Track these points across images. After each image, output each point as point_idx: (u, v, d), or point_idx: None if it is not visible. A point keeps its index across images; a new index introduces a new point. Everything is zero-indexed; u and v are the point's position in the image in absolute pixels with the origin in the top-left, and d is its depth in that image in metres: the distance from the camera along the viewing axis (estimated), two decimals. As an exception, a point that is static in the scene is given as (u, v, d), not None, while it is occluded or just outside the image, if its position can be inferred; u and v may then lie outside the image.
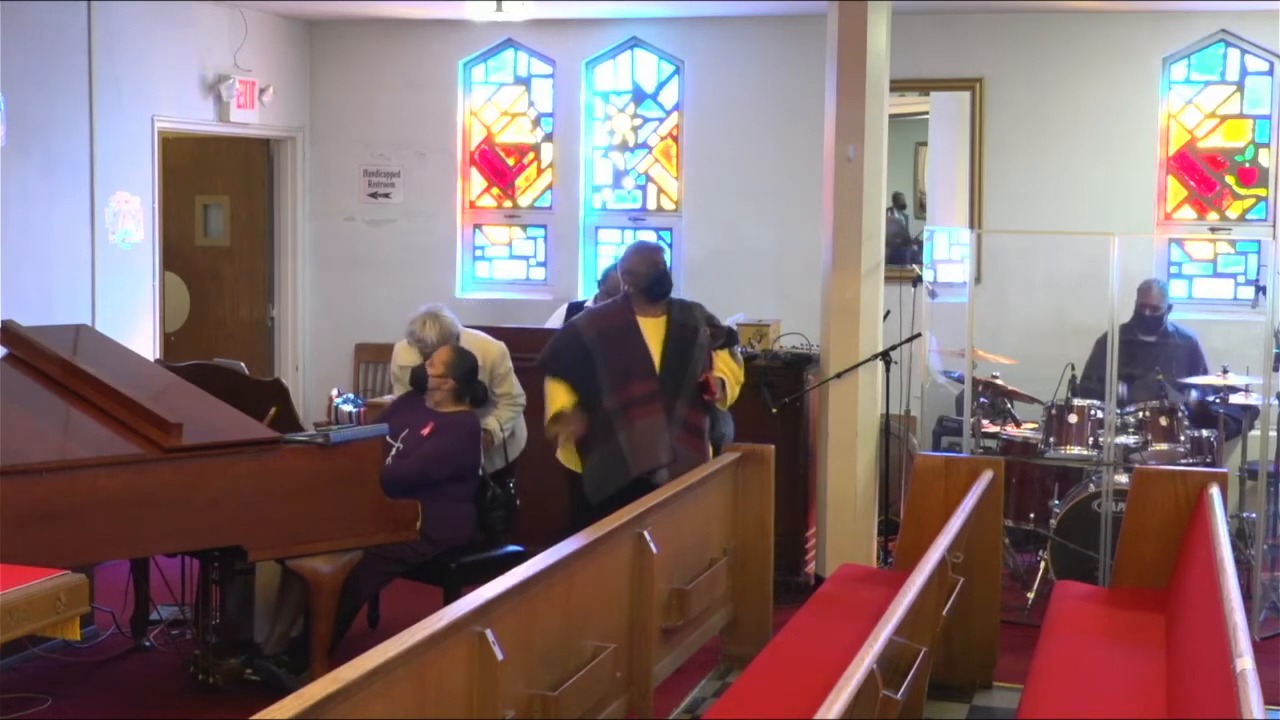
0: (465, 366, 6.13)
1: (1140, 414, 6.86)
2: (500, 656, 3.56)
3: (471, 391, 6.15)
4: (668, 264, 6.22)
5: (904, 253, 8.97)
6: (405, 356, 6.49)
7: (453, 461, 5.97)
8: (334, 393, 7.59)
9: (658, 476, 5.85)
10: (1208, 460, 6.74)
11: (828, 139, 7.02)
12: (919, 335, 7.21)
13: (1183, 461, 6.65)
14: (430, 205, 9.70)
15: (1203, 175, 8.66)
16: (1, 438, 4.79)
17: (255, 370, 7.05)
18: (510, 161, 9.71)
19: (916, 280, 7.41)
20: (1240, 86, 8.61)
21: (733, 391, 6.08)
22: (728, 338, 6.14)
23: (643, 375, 5.93)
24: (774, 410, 6.87)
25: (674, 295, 6.27)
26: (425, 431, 6.06)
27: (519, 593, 3.82)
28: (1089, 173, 8.69)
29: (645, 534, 4.72)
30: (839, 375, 6.90)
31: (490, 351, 6.50)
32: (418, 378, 6.16)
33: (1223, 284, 8.73)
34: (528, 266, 9.71)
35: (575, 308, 8.19)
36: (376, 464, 5.62)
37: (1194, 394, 7.34)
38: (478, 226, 9.78)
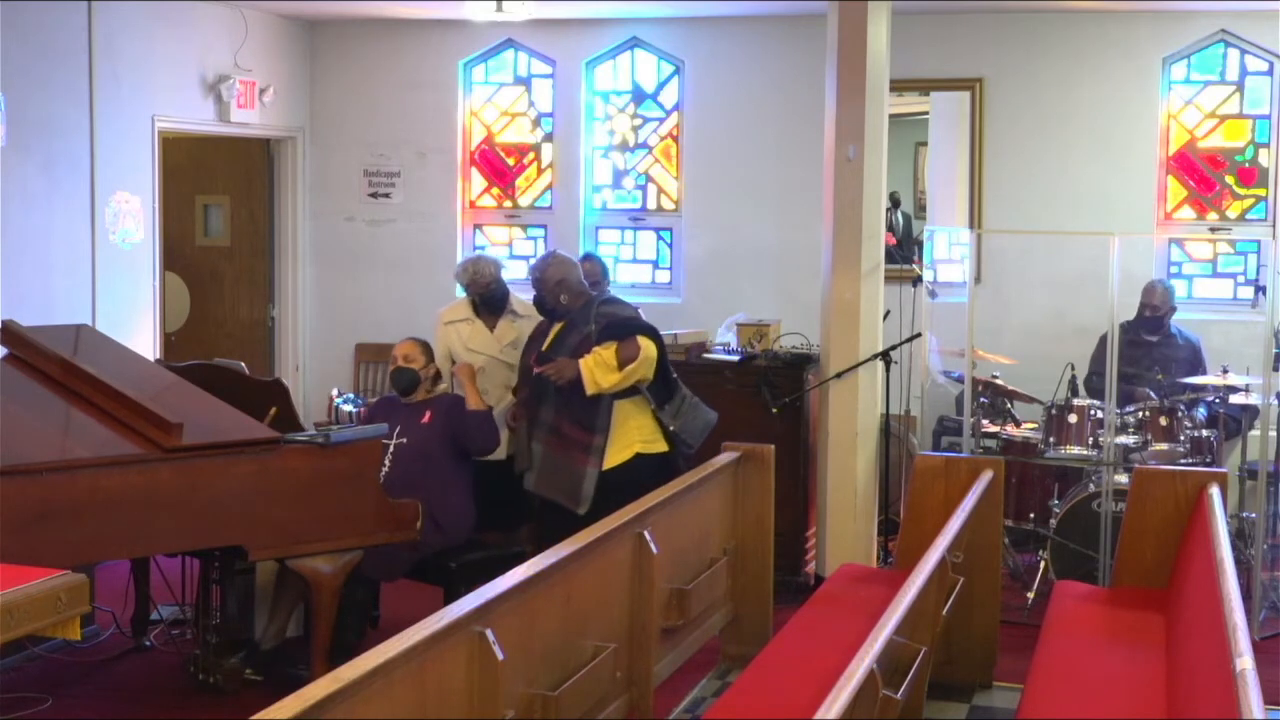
0: (428, 346, 6.39)
1: (1140, 414, 6.86)
2: (500, 656, 3.56)
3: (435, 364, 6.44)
4: (547, 277, 6.20)
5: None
6: (453, 314, 6.80)
7: (482, 421, 6.20)
8: (334, 393, 7.59)
9: (526, 480, 6.11)
10: (1207, 460, 6.74)
11: (828, 139, 7.02)
12: (919, 335, 7.21)
13: (1182, 461, 6.65)
14: (430, 205, 9.70)
15: (1203, 175, 8.66)
16: (1, 438, 4.79)
17: (255, 370, 7.05)
18: (510, 161, 9.71)
19: (916, 280, 7.41)
20: (1240, 86, 8.61)
21: (595, 376, 5.92)
22: (610, 331, 6.03)
23: (525, 383, 6.22)
24: (774, 410, 6.88)
25: (610, 300, 6.37)
26: (426, 420, 6.12)
27: (519, 593, 3.82)
28: (1089, 173, 8.69)
29: (645, 534, 4.72)
30: (839, 375, 6.90)
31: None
32: (404, 380, 6.21)
33: (1223, 284, 8.73)
34: (528, 266, 9.68)
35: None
36: (376, 464, 5.64)
37: (1190, 395, 7.33)
38: (478, 226, 9.78)
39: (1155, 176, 8.66)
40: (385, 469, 5.98)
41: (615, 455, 6.02)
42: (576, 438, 6.00)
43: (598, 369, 5.94)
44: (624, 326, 6.05)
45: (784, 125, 8.99)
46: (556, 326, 6.19)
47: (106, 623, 6.26)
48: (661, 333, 7.54)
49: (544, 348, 6.14)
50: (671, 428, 6.09)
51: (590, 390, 5.93)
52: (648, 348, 6.01)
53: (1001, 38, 8.78)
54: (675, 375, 6.25)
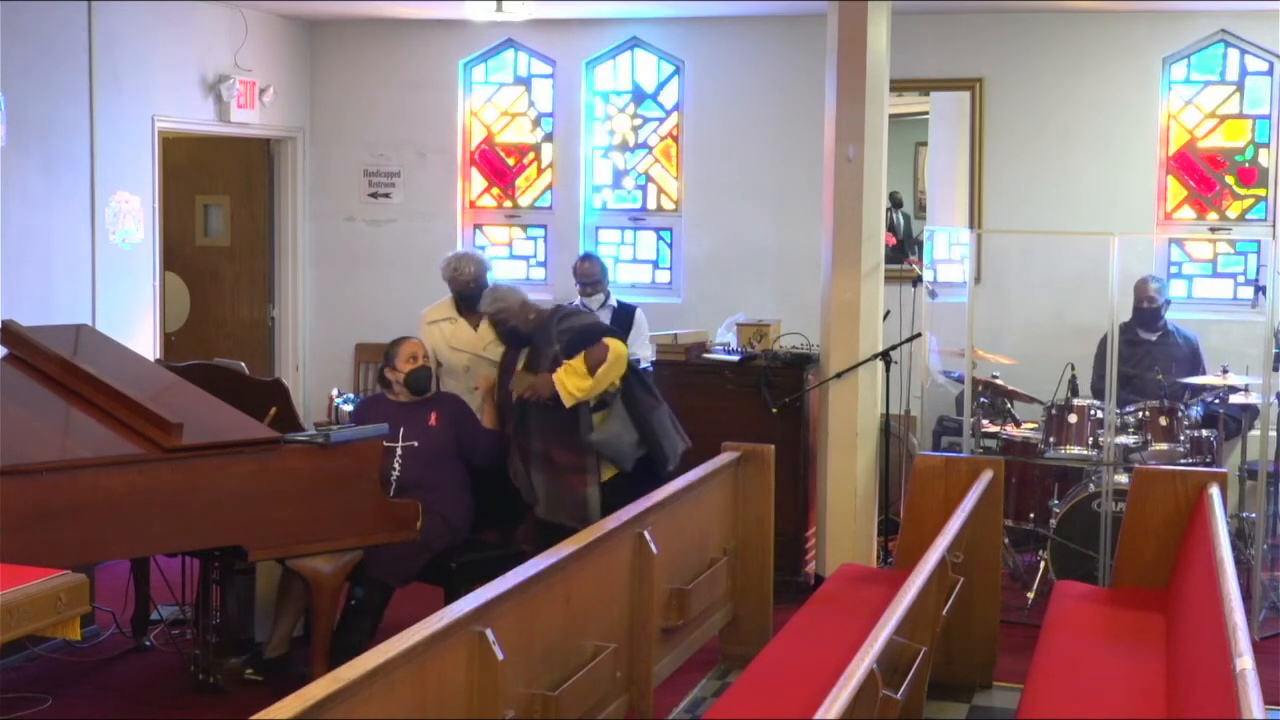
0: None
1: (1140, 414, 6.86)
2: (500, 656, 3.56)
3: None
4: (509, 306, 6.22)
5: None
6: (436, 313, 6.83)
7: (494, 440, 6.24)
8: (334, 393, 7.60)
9: (538, 511, 6.10)
10: (1208, 460, 6.74)
11: (828, 139, 7.02)
12: (919, 335, 7.21)
13: (1183, 461, 6.65)
14: (430, 205, 9.70)
15: (1202, 175, 8.66)
16: (1, 438, 4.79)
17: (255, 370, 7.05)
18: (510, 161, 9.71)
19: (916, 280, 7.41)
20: (1240, 86, 8.61)
21: (568, 386, 5.93)
22: (576, 344, 6.03)
23: (509, 414, 6.18)
24: (774, 410, 6.88)
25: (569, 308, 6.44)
26: (433, 422, 6.13)
27: (519, 593, 3.82)
28: (1089, 173, 8.68)
29: (645, 534, 4.72)
30: (839, 375, 6.90)
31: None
32: (424, 379, 6.24)
33: (1223, 284, 8.72)
34: (528, 266, 9.71)
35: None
36: (376, 464, 5.64)
37: (1189, 394, 7.33)
38: (478, 226, 9.78)
39: (1155, 176, 8.65)
40: (396, 472, 6.00)
41: (610, 468, 6.10)
42: (568, 463, 6.04)
43: (569, 378, 5.96)
44: (588, 335, 6.07)
45: (784, 125, 8.99)
46: (524, 355, 6.20)
47: (106, 623, 6.26)
48: (661, 333, 7.60)
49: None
50: (591, 438, 6.03)
51: (568, 401, 5.95)
52: (616, 347, 6.03)
53: (1001, 38, 8.78)
54: (637, 393, 6.16)
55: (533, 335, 6.16)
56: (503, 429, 6.25)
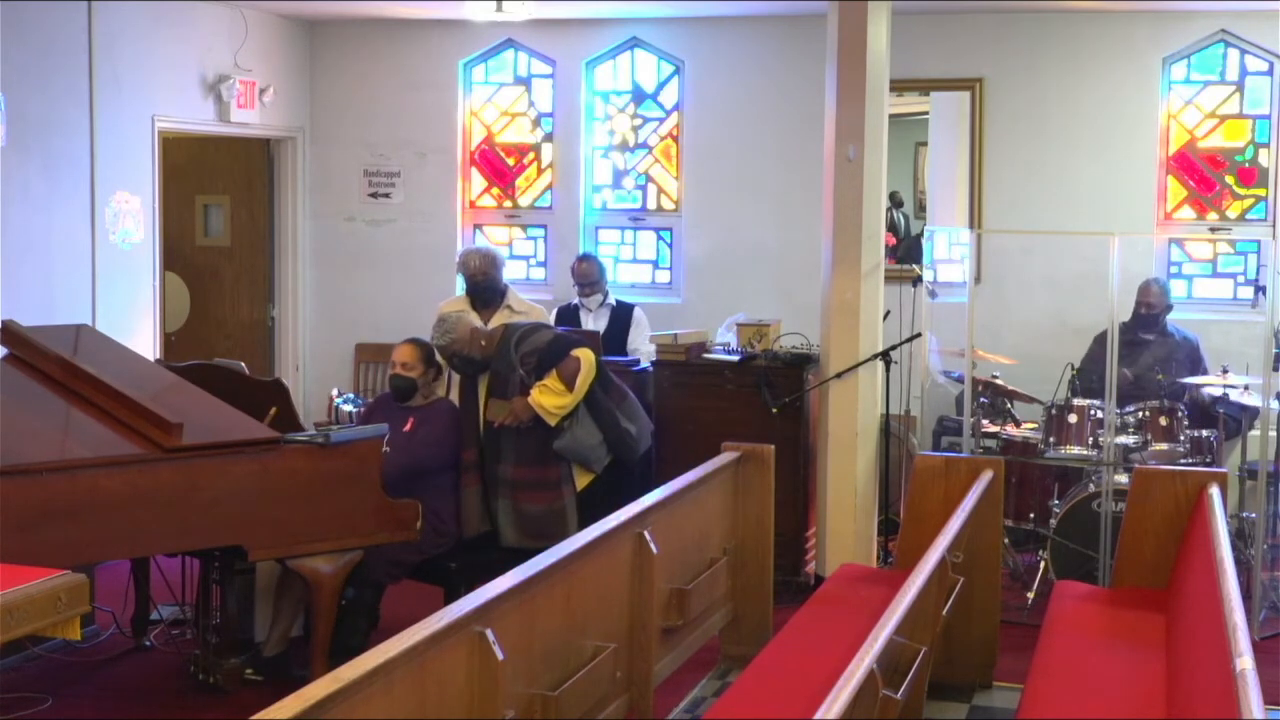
0: (428, 350, 6.32)
1: (1140, 414, 6.86)
2: (500, 656, 3.56)
3: (437, 366, 6.35)
4: (459, 336, 6.22)
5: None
6: (450, 307, 6.87)
7: (445, 446, 6.16)
8: (334, 393, 7.60)
9: (502, 538, 6.12)
10: (1208, 460, 6.74)
11: (828, 139, 7.02)
12: (919, 335, 7.21)
13: (1183, 461, 6.65)
14: (430, 205, 9.71)
15: (1202, 175, 8.66)
16: (1, 438, 4.79)
17: (255, 370, 7.05)
18: (510, 161, 9.71)
19: (916, 280, 7.42)
20: (1240, 86, 8.61)
21: (547, 407, 6.07)
22: (546, 363, 6.13)
23: (472, 442, 6.18)
24: (774, 410, 6.88)
25: (525, 323, 6.46)
26: (407, 428, 6.14)
27: (519, 593, 3.82)
28: (1089, 173, 8.68)
29: (645, 534, 4.72)
30: (839, 375, 6.90)
31: (538, 314, 7.03)
32: (401, 389, 6.25)
33: (1222, 284, 8.72)
34: (528, 266, 9.71)
35: (565, 311, 8.22)
36: (376, 464, 5.64)
37: (1188, 394, 7.33)
38: (478, 226, 9.78)
39: (1155, 176, 8.65)
40: None
41: (584, 475, 6.18)
42: (543, 478, 6.10)
43: (546, 398, 6.08)
44: (554, 352, 6.16)
45: (784, 125, 8.99)
46: (484, 381, 6.23)
47: (106, 623, 6.26)
48: (661, 333, 7.60)
49: (483, 406, 6.20)
50: (555, 445, 6.13)
51: (551, 421, 6.08)
52: (585, 355, 6.17)
53: (1001, 38, 8.78)
54: (598, 395, 6.22)
55: (490, 361, 6.20)
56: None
